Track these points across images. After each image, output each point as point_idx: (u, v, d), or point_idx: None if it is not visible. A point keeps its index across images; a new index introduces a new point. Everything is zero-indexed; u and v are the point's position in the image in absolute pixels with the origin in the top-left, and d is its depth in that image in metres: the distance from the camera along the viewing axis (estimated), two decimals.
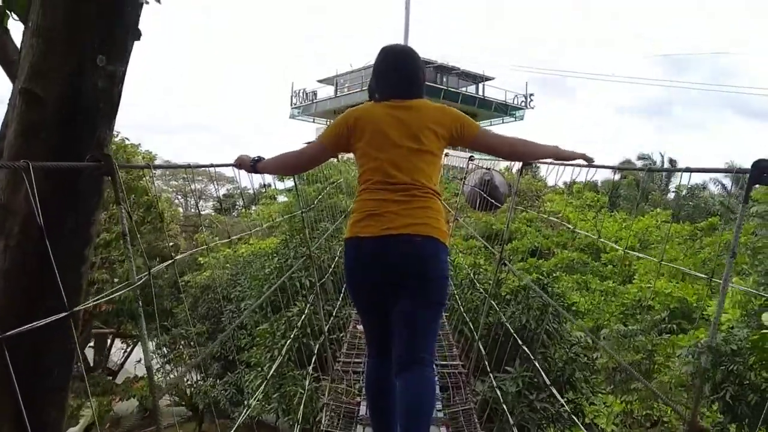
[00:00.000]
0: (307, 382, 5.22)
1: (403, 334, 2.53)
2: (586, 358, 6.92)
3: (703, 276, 2.91)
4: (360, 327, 4.81)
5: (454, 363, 5.21)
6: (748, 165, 1.77)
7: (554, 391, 4.11)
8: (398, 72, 2.74)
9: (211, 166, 3.14)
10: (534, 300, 6.65)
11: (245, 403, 6.79)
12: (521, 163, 3.91)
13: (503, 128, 42.93)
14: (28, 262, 2.07)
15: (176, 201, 29.06)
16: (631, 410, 10.01)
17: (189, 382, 14.18)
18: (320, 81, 45.57)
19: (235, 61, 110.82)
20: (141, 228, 14.72)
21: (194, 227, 21.63)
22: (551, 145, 2.96)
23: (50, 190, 1.94)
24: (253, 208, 23.88)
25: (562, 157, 2.99)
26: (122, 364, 18.29)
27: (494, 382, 4.72)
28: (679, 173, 2.35)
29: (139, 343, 17.35)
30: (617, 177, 30.23)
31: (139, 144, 17.96)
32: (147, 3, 2.74)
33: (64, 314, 1.65)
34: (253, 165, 3.00)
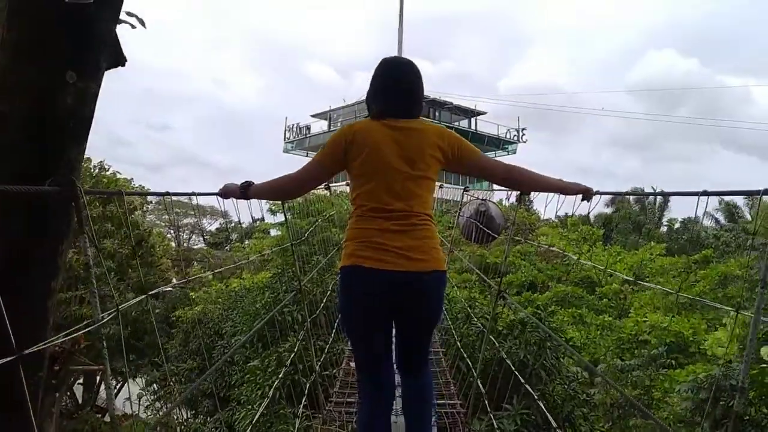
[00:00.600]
0: (297, 423, 5.05)
1: (404, 351, 2.74)
2: (585, 395, 6.78)
3: (728, 308, 2.84)
4: (353, 364, 4.68)
5: (452, 402, 5.06)
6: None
7: (555, 426, 3.98)
8: (398, 89, 2.65)
9: (192, 194, 3.00)
10: (532, 334, 6.52)
11: None
12: (518, 193, 3.83)
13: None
14: None
15: (168, 235, 28.88)
16: None
17: (179, 420, 13.90)
18: (314, 116, 46.04)
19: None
20: (132, 262, 14.61)
21: (186, 261, 21.47)
22: (555, 178, 2.83)
23: (12, 217, 1.83)
24: (246, 242, 23.78)
25: (568, 191, 2.85)
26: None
27: (494, 423, 4.58)
28: (696, 196, 2.27)
29: (129, 379, 17.14)
30: (609, 211, 30.38)
31: (132, 179, 17.95)
32: (134, 27, 2.68)
33: (11, 357, 1.51)
34: (243, 191, 2.77)
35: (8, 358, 1.51)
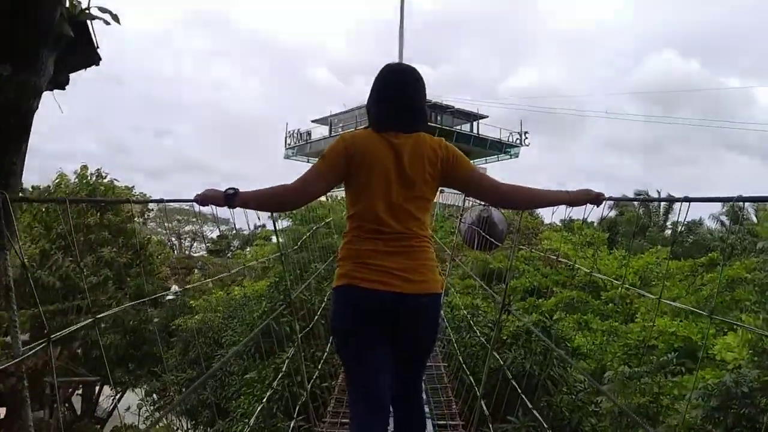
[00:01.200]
0: None
1: (398, 375, 2.56)
2: (593, 405, 6.57)
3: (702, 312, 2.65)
4: None
5: (454, 423, 4.83)
6: None
7: None
8: (401, 101, 2.54)
9: (161, 201, 2.78)
10: (537, 344, 6.31)
11: None
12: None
13: (499, 165, 43.33)
14: None
15: (169, 243, 28.81)
16: None
17: (178, 431, 13.76)
18: (314, 121, 45.94)
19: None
20: (130, 271, 14.49)
21: (185, 269, 21.35)
22: (561, 192, 2.68)
23: None
24: (248, 249, 23.69)
25: (576, 203, 2.71)
26: (111, 412, 17.78)
27: None
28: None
29: (129, 388, 16.98)
30: (612, 214, 30.22)
31: (133, 186, 17.82)
32: (108, 24, 2.52)
33: None
34: (227, 199, 2.39)
35: None
